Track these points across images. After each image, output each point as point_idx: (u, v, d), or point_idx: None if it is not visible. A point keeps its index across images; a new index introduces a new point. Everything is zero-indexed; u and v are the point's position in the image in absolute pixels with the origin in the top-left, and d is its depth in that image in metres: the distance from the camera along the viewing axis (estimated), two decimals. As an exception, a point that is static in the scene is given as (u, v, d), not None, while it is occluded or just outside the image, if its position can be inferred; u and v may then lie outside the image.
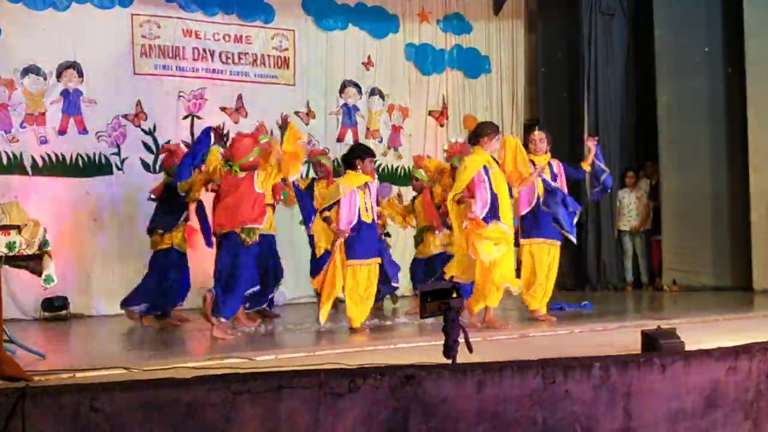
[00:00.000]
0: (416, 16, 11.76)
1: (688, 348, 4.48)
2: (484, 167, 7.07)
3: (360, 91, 11.31)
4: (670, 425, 3.88)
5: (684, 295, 10.03)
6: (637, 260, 11.43)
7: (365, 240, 7.06)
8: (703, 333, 5.61)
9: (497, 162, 7.31)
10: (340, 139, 11.11)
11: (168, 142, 9.90)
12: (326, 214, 7.16)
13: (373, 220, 7.23)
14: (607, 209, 11.46)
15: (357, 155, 7.28)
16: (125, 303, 7.86)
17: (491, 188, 7.00)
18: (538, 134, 7.83)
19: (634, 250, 11.42)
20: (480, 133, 7.26)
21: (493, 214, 6.95)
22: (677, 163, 10.84)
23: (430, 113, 11.84)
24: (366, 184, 7.20)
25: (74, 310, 9.05)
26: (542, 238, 7.63)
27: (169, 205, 7.84)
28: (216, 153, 7.40)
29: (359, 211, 7.04)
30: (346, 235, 6.94)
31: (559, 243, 7.74)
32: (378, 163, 11.27)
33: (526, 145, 7.89)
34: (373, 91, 11.40)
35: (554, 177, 7.73)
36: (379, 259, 7.29)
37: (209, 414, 3.35)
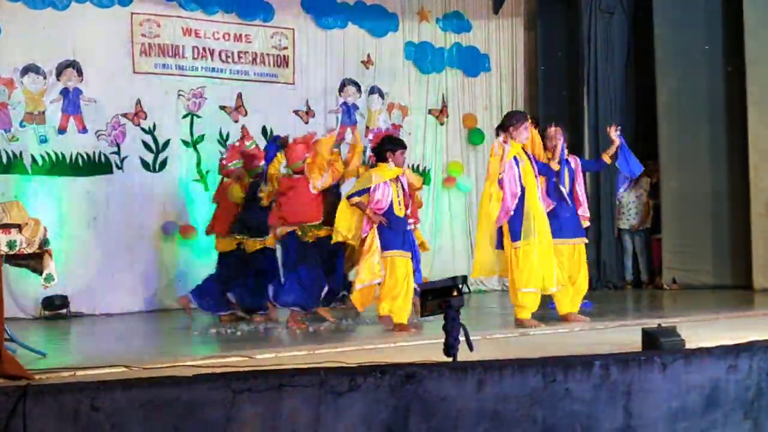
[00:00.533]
0: (416, 15, 11.76)
1: (688, 346, 4.48)
2: (514, 158, 6.84)
3: (359, 90, 11.32)
4: (670, 424, 3.88)
5: (684, 294, 10.03)
6: (636, 259, 11.43)
7: (399, 233, 6.92)
8: (704, 331, 5.60)
9: (527, 154, 7.02)
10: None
11: (168, 142, 9.94)
12: (356, 199, 6.95)
13: (406, 214, 7.04)
14: (607, 208, 11.47)
15: (389, 147, 7.08)
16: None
17: (520, 181, 6.81)
18: (554, 130, 7.49)
19: (634, 248, 11.43)
20: (505, 123, 7.02)
21: (520, 209, 6.79)
22: (677, 162, 10.84)
23: (429, 112, 11.84)
24: (397, 177, 7.05)
25: (74, 308, 9.07)
26: (556, 238, 7.24)
27: (260, 207, 7.92)
28: (280, 160, 7.67)
29: (392, 204, 6.90)
30: (383, 221, 6.84)
31: (580, 240, 7.48)
32: (378, 161, 11.28)
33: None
34: (373, 90, 11.40)
35: (572, 173, 7.51)
36: (410, 254, 7.01)
37: (210, 413, 3.35)
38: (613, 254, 11.48)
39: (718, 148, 10.65)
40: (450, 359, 4.02)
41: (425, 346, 5.32)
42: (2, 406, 3.15)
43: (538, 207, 6.89)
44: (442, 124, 11.90)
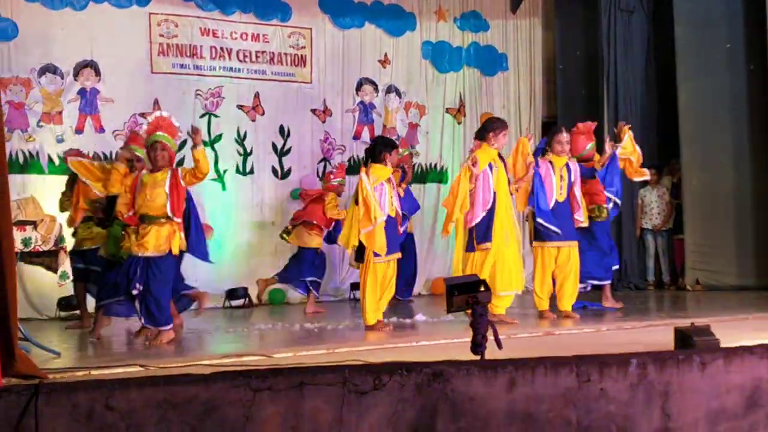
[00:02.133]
0: (433, 14, 11.64)
1: (722, 346, 4.31)
2: (489, 164, 7.07)
3: (377, 89, 11.21)
4: (710, 426, 3.72)
5: (708, 295, 9.84)
6: (659, 259, 11.25)
7: (389, 235, 6.93)
8: (736, 331, 5.42)
9: (503, 160, 7.28)
10: (356, 137, 11.03)
11: (185, 142, 9.84)
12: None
13: (396, 213, 7.11)
14: (629, 208, 11.27)
15: (385, 148, 7.10)
16: None
17: (492, 187, 7.04)
18: (565, 136, 7.69)
19: (656, 249, 11.25)
20: (486, 128, 7.25)
21: (489, 214, 7.02)
22: (699, 161, 10.66)
23: (447, 111, 11.71)
24: (389, 177, 7.07)
25: (90, 309, 8.94)
26: (558, 241, 7.55)
27: None
28: None
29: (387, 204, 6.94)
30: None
31: (575, 243, 7.66)
32: (395, 161, 11.17)
33: (549, 144, 7.77)
34: (390, 89, 11.29)
35: (570, 179, 7.67)
36: (399, 254, 7.17)
37: (228, 412, 3.22)
38: (634, 255, 11.29)
39: (740, 146, 10.47)
40: (477, 357, 3.87)
41: (449, 345, 5.18)
42: (13, 405, 3.03)
43: (507, 212, 7.15)
44: (459, 123, 11.76)
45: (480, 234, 7.08)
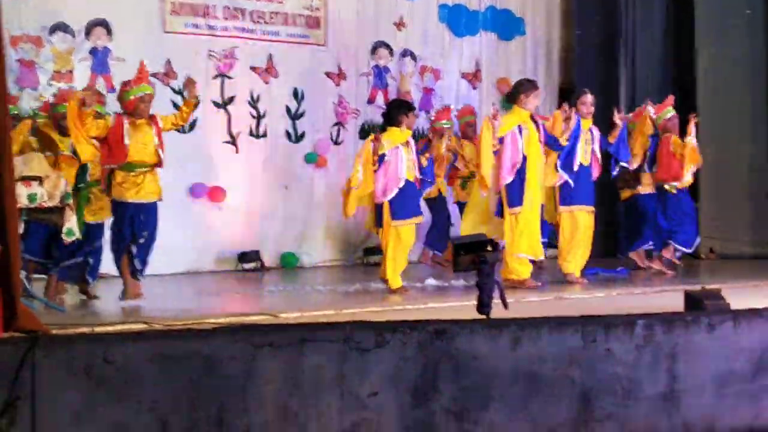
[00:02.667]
0: (450, -24, 11.47)
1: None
2: (518, 127, 6.94)
3: (392, 53, 11.07)
4: (717, 389, 3.66)
5: (721, 263, 9.78)
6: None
7: (408, 199, 6.87)
8: (747, 297, 5.33)
9: (536, 122, 7.13)
10: (370, 101, 10.90)
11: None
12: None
13: (415, 177, 7.00)
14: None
15: (403, 111, 7.02)
16: None
17: (521, 149, 6.92)
18: (590, 98, 7.65)
19: (671, 217, 11.12)
20: (518, 90, 7.16)
21: (520, 176, 6.90)
22: (716, 130, 10.51)
23: (462, 76, 11.56)
24: (407, 141, 6.97)
25: (102, 269, 8.94)
26: (580, 205, 7.50)
27: None
28: None
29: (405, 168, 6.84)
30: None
31: (592, 209, 7.64)
32: (409, 126, 11.07)
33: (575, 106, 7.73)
34: (405, 53, 11.14)
35: (593, 143, 7.63)
36: (421, 218, 7.13)
37: (229, 367, 3.19)
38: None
39: (757, 116, 10.35)
40: (483, 317, 3.82)
41: (457, 307, 5.12)
42: (10, 357, 3.01)
43: (536, 176, 7.05)
44: (474, 88, 11.62)
45: (511, 198, 6.99)
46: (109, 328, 4.34)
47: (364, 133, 10.78)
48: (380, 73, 11.00)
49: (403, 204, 6.82)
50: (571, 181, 7.43)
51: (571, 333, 3.47)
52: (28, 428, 2.99)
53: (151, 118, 6.53)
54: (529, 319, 3.51)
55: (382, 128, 7.17)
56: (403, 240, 6.84)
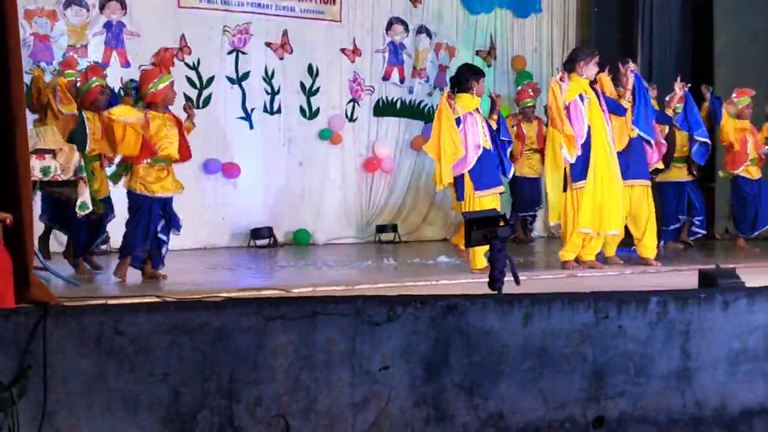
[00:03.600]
0: (466, -48, 11.36)
1: (748, 288, 4.20)
2: (580, 96, 6.62)
3: (407, 29, 11.00)
4: (731, 366, 3.63)
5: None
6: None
7: (487, 168, 6.53)
8: (762, 277, 5.31)
9: (595, 90, 6.78)
10: (385, 78, 10.86)
11: (212, 78, 9.77)
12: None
13: (492, 144, 6.64)
14: (660, 155, 11.06)
15: (473, 76, 6.62)
16: None
17: (584, 119, 6.58)
18: (626, 67, 7.19)
19: (687, 197, 11.03)
20: (574, 58, 6.82)
21: (585, 150, 6.56)
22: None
23: (477, 53, 11.48)
24: (477, 108, 6.64)
25: (115, 244, 8.98)
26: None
27: None
28: None
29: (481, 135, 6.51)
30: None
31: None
32: (424, 102, 11.02)
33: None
34: (421, 30, 11.08)
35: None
36: (503, 188, 6.77)
37: (240, 340, 3.18)
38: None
39: (776, 92, 10.17)
40: (495, 293, 3.81)
41: (471, 284, 5.12)
42: (22, 327, 3.01)
43: (604, 147, 6.63)
44: (489, 65, 11.53)
45: (575, 171, 6.58)
46: (122, 301, 4.35)
47: (378, 110, 10.76)
48: (395, 49, 10.94)
49: (483, 173, 6.48)
50: (651, 141, 7.09)
51: (584, 309, 3.44)
52: (38, 398, 3.00)
53: (176, 116, 6.38)
54: (540, 295, 3.49)
55: (451, 92, 6.76)
56: None
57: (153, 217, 6.12)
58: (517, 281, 3.92)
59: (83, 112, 6.75)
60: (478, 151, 6.48)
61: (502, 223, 3.88)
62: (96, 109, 6.76)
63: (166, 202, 6.22)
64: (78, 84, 7.09)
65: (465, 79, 6.62)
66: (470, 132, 6.46)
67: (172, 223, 6.28)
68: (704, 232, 9.06)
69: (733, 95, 8.82)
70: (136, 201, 6.11)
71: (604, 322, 3.47)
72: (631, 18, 11.34)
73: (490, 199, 6.46)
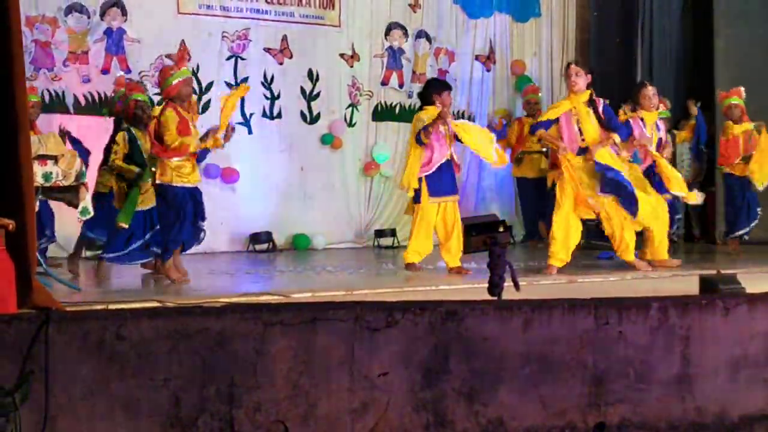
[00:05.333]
0: (465, -43, 11.37)
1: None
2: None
3: (406, 34, 11.01)
4: (731, 373, 3.64)
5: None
6: (689, 212, 11.06)
7: (443, 178, 6.84)
8: (764, 283, 5.29)
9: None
10: (384, 83, 10.87)
11: (211, 84, 9.80)
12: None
13: (452, 156, 6.96)
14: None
15: (435, 90, 6.99)
16: None
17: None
18: (651, 89, 7.45)
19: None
20: None
21: None
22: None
23: (476, 58, 11.49)
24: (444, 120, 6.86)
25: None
26: None
27: None
28: None
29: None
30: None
31: None
32: (423, 107, 11.02)
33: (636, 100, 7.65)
34: (420, 34, 11.09)
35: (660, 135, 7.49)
36: (455, 197, 6.99)
37: (239, 345, 3.20)
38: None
39: (776, 98, 10.18)
40: (494, 299, 3.81)
41: (469, 289, 5.11)
42: (24, 332, 3.02)
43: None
44: (489, 70, 11.55)
45: None
46: (123, 306, 4.34)
47: (377, 115, 10.77)
48: (394, 54, 10.95)
49: (442, 181, 6.80)
50: None
51: (584, 315, 3.45)
52: (40, 403, 3.00)
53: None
54: (540, 301, 3.49)
55: (419, 109, 7.15)
56: (427, 217, 6.78)
57: (194, 205, 6.36)
58: (516, 287, 3.92)
59: (132, 131, 6.93)
60: (441, 159, 6.77)
61: (501, 229, 3.89)
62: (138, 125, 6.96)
63: (198, 192, 6.46)
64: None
65: (429, 93, 6.99)
66: (436, 142, 6.74)
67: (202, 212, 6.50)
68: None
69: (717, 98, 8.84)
70: (174, 193, 6.26)
71: (604, 328, 3.48)
72: (630, 22, 11.35)
73: (434, 207, 6.78)
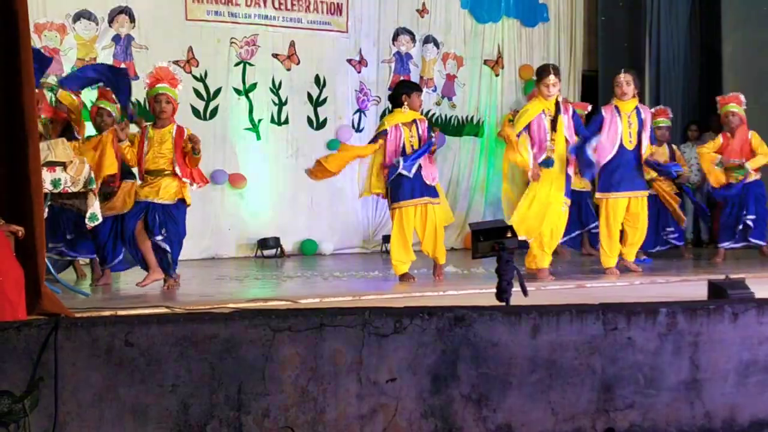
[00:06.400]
0: (473, -38, 11.39)
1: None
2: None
3: (414, 39, 11.04)
4: (740, 378, 3.62)
5: (747, 253, 9.60)
6: (697, 217, 11.02)
7: (412, 180, 6.68)
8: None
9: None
10: (392, 88, 10.84)
11: (219, 90, 9.82)
12: (369, 145, 7.07)
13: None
14: (668, 164, 11.05)
15: (404, 91, 6.90)
16: None
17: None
18: (624, 77, 7.18)
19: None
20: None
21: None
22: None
23: (485, 62, 11.51)
24: (414, 121, 6.82)
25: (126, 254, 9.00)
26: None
27: None
28: None
29: (404, 148, 6.71)
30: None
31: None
32: (432, 112, 11.04)
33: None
34: (428, 39, 11.12)
35: (641, 124, 7.20)
36: (427, 199, 6.77)
37: (248, 351, 3.20)
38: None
39: (785, 101, 10.17)
40: (502, 304, 3.81)
41: (476, 294, 5.12)
42: (33, 339, 3.03)
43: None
44: (497, 75, 11.56)
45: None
46: (131, 312, 4.36)
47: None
48: (402, 59, 10.98)
49: (402, 185, 6.67)
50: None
51: (592, 321, 3.44)
52: (50, 410, 3.01)
53: (178, 128, 6.42)
54: (548, 307, 3.49)
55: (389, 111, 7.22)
56: (404, 221, 6.68)
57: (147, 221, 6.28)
58: (525, 292, 3.92)
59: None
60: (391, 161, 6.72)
61: (509, 234, 3.89)
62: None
63: (163, 209, 6.29)
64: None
65: (398, 94, 6.93)
66: (391, 144, 6.73)
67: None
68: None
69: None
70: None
71: (613, 333, 3.47)
72: (638, 27, 11.36)
73: (410, 210, 6.67)
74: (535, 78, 7.13)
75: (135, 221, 6.17)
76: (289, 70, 10.29)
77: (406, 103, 6.80)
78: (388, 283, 6.67)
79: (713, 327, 3.57)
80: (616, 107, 7.16)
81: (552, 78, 6.67)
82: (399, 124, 6.76)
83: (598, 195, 7.40)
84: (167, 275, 6.28)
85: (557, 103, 6.76)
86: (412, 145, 6.73)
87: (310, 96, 10.41)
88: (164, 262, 6.29)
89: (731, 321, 3.59)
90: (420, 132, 6.79)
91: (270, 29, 10.22)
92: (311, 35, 10.44)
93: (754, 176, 8.47)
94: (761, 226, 8.58)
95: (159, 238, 6.18)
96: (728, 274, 4.55)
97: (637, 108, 7.22)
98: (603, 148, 7.03)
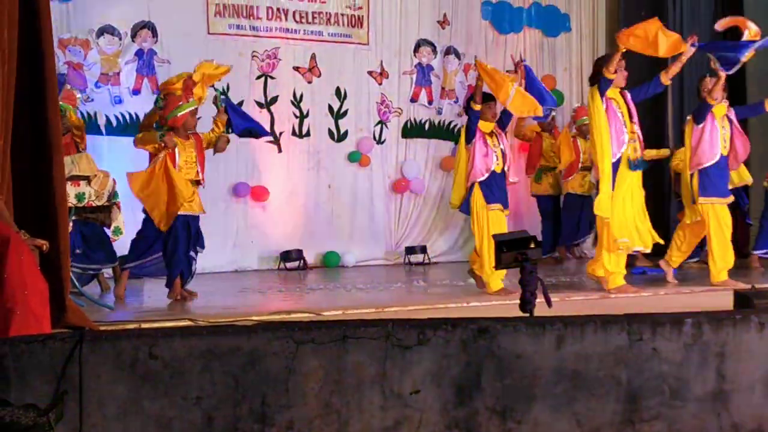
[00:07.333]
0: (493, -27, 11.39)
1: (785, 310, 4.15)
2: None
3: (435, 51, 11.04)
4: (767, 389, 3.58)
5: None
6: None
7: (494, 190, 6.87)
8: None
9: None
10: (413, 99, 10.90)
11: (241, 102, 9.87)
12: None
13: (503, 169, 7.02)
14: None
15: (482, 103, 7.12)
16: None
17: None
18: (709, 80, 7.45)
19: (719, 216, 10.89)
20: (599, 70, 7.30)
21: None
22: (764, 118, 10.27)
23: (506, 72, 11.46)
24: (492, 131, 7.03)
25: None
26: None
27: None
28: None
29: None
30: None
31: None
32: (453, 123, 11.03)
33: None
34: (449, 50, 11.11)
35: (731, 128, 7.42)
36: (507, 212, 7.00)
37: (271, 364, 3.20)
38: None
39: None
40: (526, 315, 3.79)
41: (502, 306, 5.10)
42: (58, 352, 3.05)
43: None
44: (519, 85, 11.49)
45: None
46: (155, 325, 4.38)
47: (406, 131, 10.80)
48: (423, 71, 10.98)
49: (492, 191, 6.85)
50: None
51: (617, 332, 3.41)
52: (75, 422, 3.03)
53: (197, 137, 6.53)
54: (573, 317, 3.47)
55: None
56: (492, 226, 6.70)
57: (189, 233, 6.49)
58: (549, 303, 3.90)
59: None
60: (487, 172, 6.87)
61: (532, 245, 3.87)
62: None
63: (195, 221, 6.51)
64: None
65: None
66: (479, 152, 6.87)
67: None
68: None
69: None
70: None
71: (638, 344, 3.44)
72: (660, 36, 11.26)
73: (496, 213, 6.75)
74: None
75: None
76: (310, 82, 10.33)
77: (487, 113, 7.12)
78: (412, 295, 6.68)
79: (739, 337, 3.54)
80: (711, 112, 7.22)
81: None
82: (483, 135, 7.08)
83: (701, 200, 7.35)
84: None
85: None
86: (496, 157, 6.92)
87: (331, 108, 10.44)
88: (185, 272, 6.36)
89: (758, 331, 3.55)
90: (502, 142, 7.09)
91: (291, 42, 10.27)
92: (332, 48, 10.47)
93: None
94: None
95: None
96: (754, 284, 4.50)
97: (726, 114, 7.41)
98: (704, 153, 7.04)
